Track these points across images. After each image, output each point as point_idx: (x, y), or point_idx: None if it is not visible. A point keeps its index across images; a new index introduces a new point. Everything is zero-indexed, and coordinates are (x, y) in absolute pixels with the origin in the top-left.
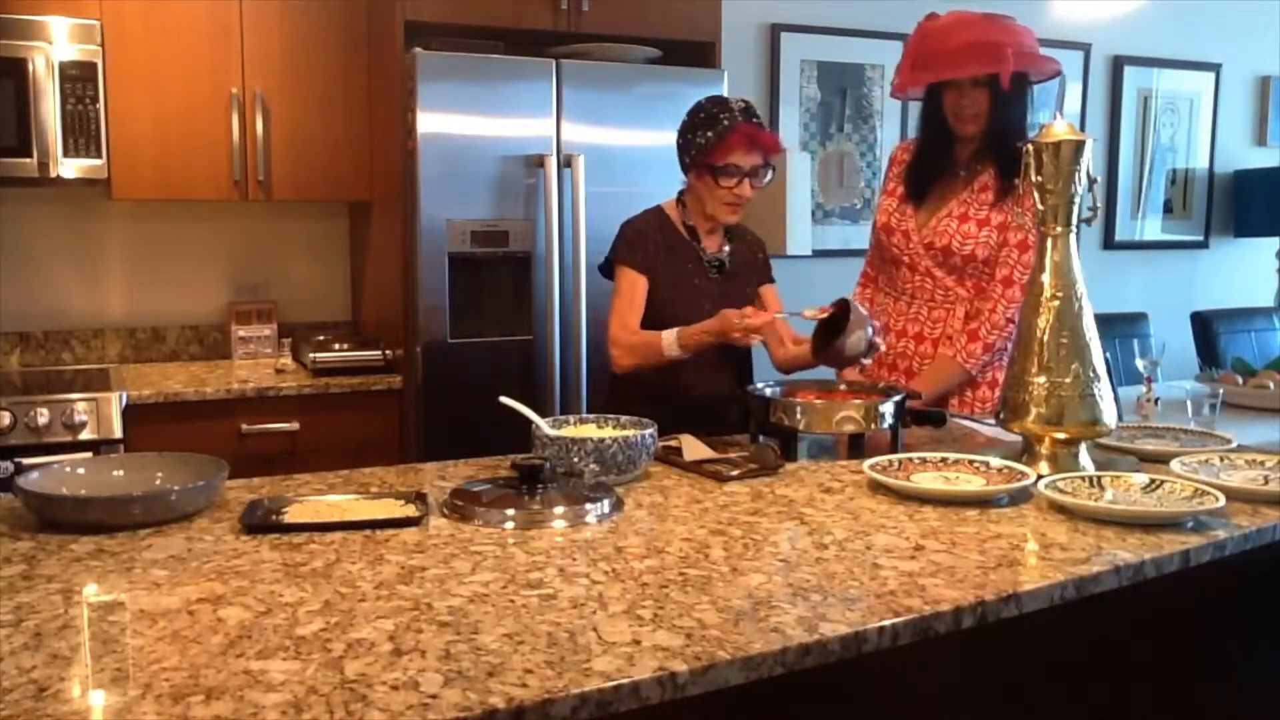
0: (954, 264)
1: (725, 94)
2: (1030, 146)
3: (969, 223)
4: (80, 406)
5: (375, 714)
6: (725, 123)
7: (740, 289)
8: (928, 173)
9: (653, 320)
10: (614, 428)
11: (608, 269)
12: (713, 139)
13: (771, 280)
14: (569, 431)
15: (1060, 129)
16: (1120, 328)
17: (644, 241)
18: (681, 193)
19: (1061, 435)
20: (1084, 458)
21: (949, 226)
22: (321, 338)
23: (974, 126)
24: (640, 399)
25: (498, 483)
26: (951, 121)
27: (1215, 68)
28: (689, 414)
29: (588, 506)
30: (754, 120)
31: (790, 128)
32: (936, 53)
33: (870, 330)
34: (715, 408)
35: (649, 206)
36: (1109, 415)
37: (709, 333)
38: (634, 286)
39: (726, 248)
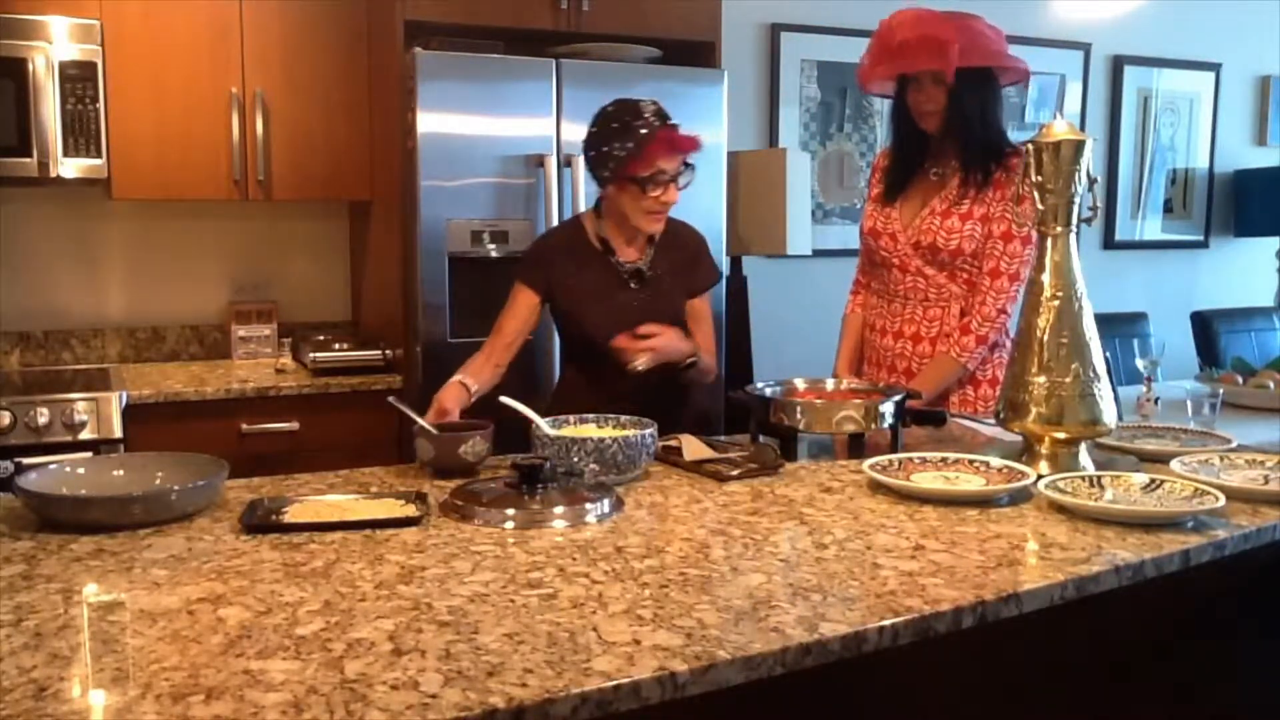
0: (942, 260)
1: (724, 95)
2: (1030, 146)
3: (951, 218)
4: (80, 406)
5: (375, 714)
6: (643, 131)
7: (666, 300)
8: (903, 172)
9: (581, 336)
10: (614, 428)
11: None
12: (633, 150)
13: (703, 289)
14: (569, 431)
15: (1060, 129)
16: (1120, 328)
17: (548, 260)
18: (599, 201)
19: (1061, 435)
20: (1084, 457)
21: (932, 224)
22: (321, 337)
23: (932, 122)
24: (553, 396)
25: (498, 483)
26: (915, 119)
27: (1215, 68)
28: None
29: (588, 506)
30: (669, 123)
31: (790, 128)
32: (887, 48)
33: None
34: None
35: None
36: (1109, 415)
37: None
38: (513, 302)
39: (649, 254)
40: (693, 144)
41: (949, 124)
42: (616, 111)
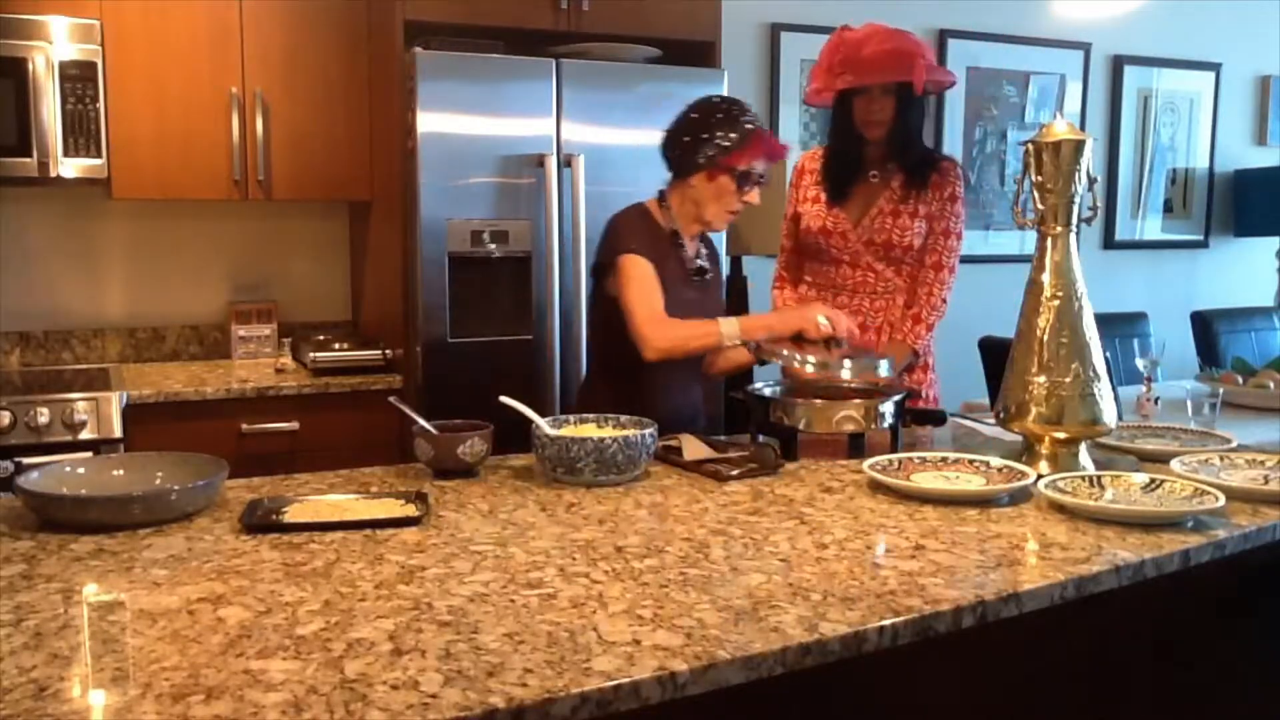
0: (894, 256)
1: (725, 93)
2: (1030, 146)
3: (902, 217)
4: (80, 406)
5: (375, 714)
6: (749, 126)
7: (714, 298)
8: (845, 175)
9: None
10: (614, 427)
11: (607, 267)
12: (736, 140)
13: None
14: (569, 431)
15: (1060, 129)
16: (1120, 328)
17: (643, 232)
18: (663, 193)
19: (1061, 435)
20: (1084, 457)
21: (885, 223)
22: (321, 337)
23: (879, 131)
24: (611, 407)
25: None
26: (859, 126)
27: (1215, 68)
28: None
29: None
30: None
31: (790, 128)
32: (852, 60)
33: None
34: (685, 419)
35: (627, 207)
36: (1109, 415)
37: (777, 326)
38: (653, 275)
39: (704, 252)
40: (784, 152)
41: (892, 133)
42: (722, 103)
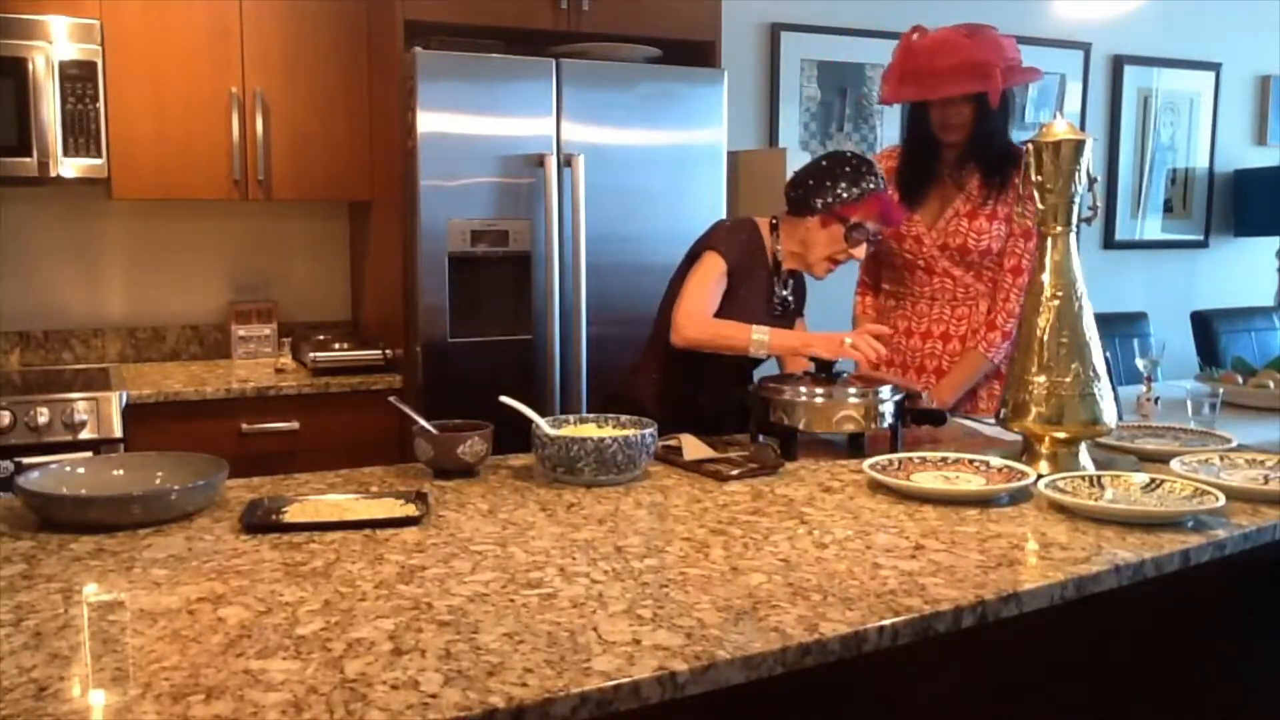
0: (971, 260)
1: (724, 95)
2: (1030, 146)
3: (979, 219)
4: (80, 406)
5: (375, 714)
6: (871, 186)
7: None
8: (920, 178)
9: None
10: (614, 427)
11: (695, 256)
12: (857, 194)
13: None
14: (569, 431)
15: (1060, 128)
16: (1120, 328)
17: (740, 244)
18: (777, 221)
19: (1061, 435)
20: (1084, 457)
21: (960, 226)
22: (321, 337)
23: (958, 136)
24: (651, 396)
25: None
26: (936, 131)
27: (1215, 67)
28: (694, 418)
29: None
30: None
31: (790, 128)
32: (925, 71)
33: None
34: (719, 414)
35: (740, 216)
36: (1109, 415)
37: (805, 346)
38: (720, 277)
39: (791, 284)
40: (901, 218)
41: (973, 137)
42: (853, 159)
